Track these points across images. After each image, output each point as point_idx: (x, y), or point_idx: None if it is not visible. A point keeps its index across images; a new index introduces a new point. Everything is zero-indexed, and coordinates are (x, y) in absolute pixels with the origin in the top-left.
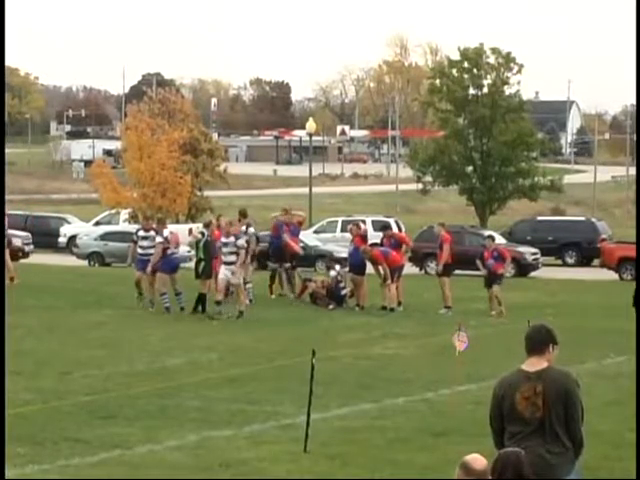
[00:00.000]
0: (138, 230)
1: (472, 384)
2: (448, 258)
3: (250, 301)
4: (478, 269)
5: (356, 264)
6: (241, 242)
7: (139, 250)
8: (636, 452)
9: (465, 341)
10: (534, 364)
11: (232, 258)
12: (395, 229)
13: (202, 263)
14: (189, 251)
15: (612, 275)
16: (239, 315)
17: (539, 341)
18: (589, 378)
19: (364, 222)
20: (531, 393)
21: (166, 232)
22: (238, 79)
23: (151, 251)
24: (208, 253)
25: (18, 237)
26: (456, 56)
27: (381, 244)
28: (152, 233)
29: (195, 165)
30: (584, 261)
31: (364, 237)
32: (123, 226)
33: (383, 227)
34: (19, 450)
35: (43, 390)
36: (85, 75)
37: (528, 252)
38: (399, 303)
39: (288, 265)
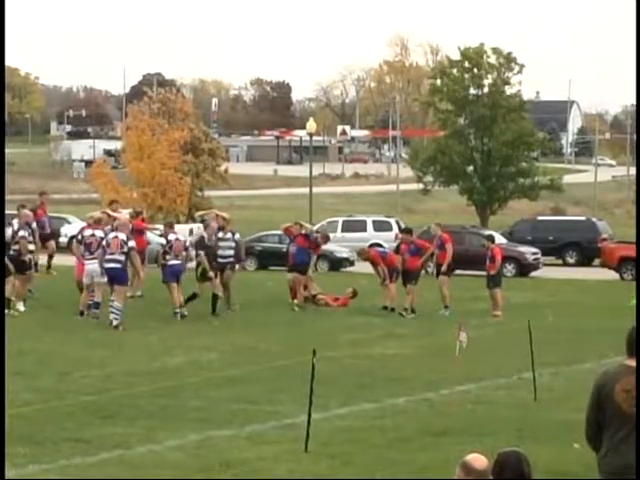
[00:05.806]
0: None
1: (472, 384)
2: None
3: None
4: (479, 269)
5: (300, 264)
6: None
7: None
8: (636, 452)
9: (464, 340)
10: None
11: None
12: (396, 229)
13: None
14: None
15: (613, 275)
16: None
17: None
18: (589, 377)
19: (364, 222)
20: (632, 387)
21: (172, 236)
22: (239, 79)
23: None
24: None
25: None
26: (457, 56)
27: (397, 250)
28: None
29: (196, 165)
30: (585, 261)
31: (307, 236)
32: None
33: (405, 230)
34: (19, 450)
35: (43, 390)
36: (85, 75)
37: (528, 252)
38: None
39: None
